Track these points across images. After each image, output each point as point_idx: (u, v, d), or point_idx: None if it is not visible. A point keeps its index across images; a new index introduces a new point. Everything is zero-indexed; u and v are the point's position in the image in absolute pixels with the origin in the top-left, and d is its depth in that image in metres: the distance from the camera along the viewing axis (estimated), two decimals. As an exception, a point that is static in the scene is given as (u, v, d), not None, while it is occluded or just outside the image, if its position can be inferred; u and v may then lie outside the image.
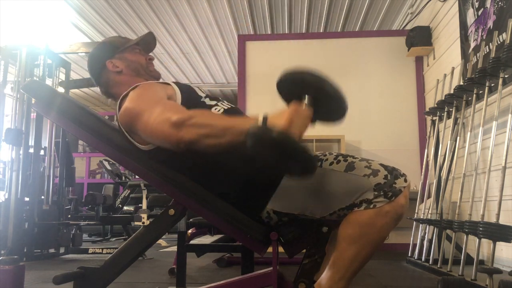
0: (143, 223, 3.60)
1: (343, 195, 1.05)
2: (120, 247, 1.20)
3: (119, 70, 1.35)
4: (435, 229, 2.77)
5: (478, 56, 2.87)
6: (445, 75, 3.31)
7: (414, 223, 3.14)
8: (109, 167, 5.78)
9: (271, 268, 1.13)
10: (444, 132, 3.13)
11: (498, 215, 2.04)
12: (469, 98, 2.74)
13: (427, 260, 2.75)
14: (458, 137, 2.95)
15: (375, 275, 2.48)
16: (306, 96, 0.94)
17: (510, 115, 2.11)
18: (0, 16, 4.72)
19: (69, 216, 4.52)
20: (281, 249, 1.20)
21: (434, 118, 3.29)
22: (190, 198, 1.17)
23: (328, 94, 0.98)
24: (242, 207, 1.15)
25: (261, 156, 0.92)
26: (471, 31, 3.07)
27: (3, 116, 3.56)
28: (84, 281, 1.14)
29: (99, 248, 3.63)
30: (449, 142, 2.94)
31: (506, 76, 2.31)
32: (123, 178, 5.91)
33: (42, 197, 3.56)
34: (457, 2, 3.32)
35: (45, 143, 3.68)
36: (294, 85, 0.98)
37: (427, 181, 3.37)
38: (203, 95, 1.30)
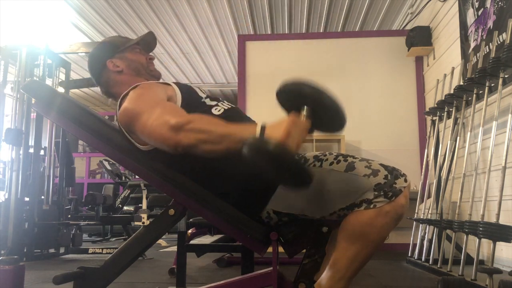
0: (143, 223, 3.60)
1: (343, 195, 1.05)
2: (120, 247, 1.20)
3: (119, 69, 1.35)
4: (435, 229, 2.77)
5: (478, 56, 2.87)
6: (445, 75, 3.31)
7: (414, 223, 3.14)
8: (109, 167, 5.78)
9: (271, 268, 1.13)
10: (444, 132, 3.13)
11: (498, 215, 2.04)
12: (469, 98, 2.74)
13: (427, 260, 2.75)
14: (458, 137, 2.95)
15: (375, 275, 2.48)
16: (305, 107, 0.94)
17: (510, 115, 2.11)
18: (0, 16, 4.72)
19: (69, 216, 4.52)
20: (281, 249, 1.20)
21: (434, 118, 3.29)
22: (190, 198, 1.17)
23: (326, 106, 0.98)
24: (242, 207, 1.15)
25: (257, 166, 0.92)
26: (471, 31, 3.07)
27: (3, 116, 3.56)
28: (84, 281, 1.14)
29: (99, 248, 3.63)
30: (449, 142, 2.94)
31: (506, 76, 2.31)
32: (123, 178, 5.91)
33: (42, 197, 3.56)
34: (457, 2, 3.32)
35: (45, 143, 3.68)
36: (293, 96, 0.98)
37: (427, 181, 3.37)
38: (203, 95, 1.30)
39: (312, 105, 0.96)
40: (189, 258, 2.03)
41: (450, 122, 3.02)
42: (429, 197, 3.21)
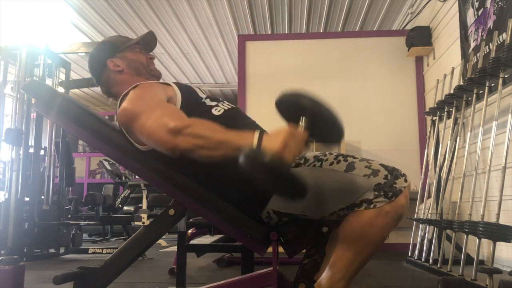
0: (143, 223, 3.60)
1: (343, 195, 1.05)
2: (120, 247, 1.20)
3: (120, 69, 1.35)
4: (435, 229, 2.77)
5: (478, 56, 2.87)
6: (445, 75, 3.31)
7: (414, 223, 3.14)
8: (109, 167, 5.78)
9: (271, 268, 1.13)
10: (444, 132, 3.13)
11: (498, 215, 2.04)
12: (469, 98, 2.74)
13: (427, 260, 2.75)
14: (458, 137, 2.95)
15: (375, 275, 2.48)
16: (303, 118, 0.94)
17: (510, 115, 2.11)
18: (0, 16, 4.72)
19: (69, 216, 4.53)
20: (281, 249, 1.20)
21: (434, 118, 3.29)
22: (190, 198, 1.17)
23: (325, 118, 0.97)
24: (242, 207, 1.15)
25: (253, 176, 0.92)
26: (471, 31, 3.07)
27: (3, 116, 3.56)
28: (84, 281, 1.14)
29: (99, 248, 3.63)
30: (449, 142, 2.94)
31: (506, 76, 2.31)
32: (123, 178, 5.91)
33: (42, 197, 3.56)
34: (457, 2, 3.32)
35: (45, 143, 3.68)
36: (291, 107, 0.98)
37: (427, 181, 3.37)
38: (203, 96, 1.30)
39: (311, 116, 0.96)
40: (189, 258, 2.03)
41: (450, 122, 3.02)
42: (429, 197, 3.21)
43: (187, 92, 1.27)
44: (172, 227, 1.27)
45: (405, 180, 1.05)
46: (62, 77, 3.95)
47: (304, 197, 0.97)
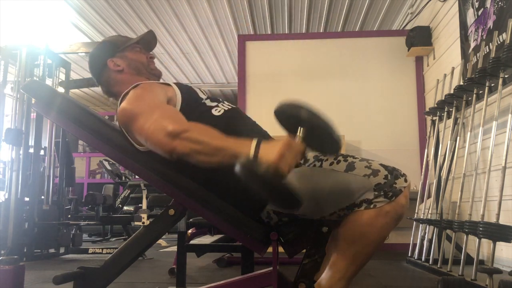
0: (143, 223, 3.60)
1: (343, 195, 1.05)
2: (120, 247, 1.20)
3: (120, 69, 1.35)
4: (435, 229, 2.77)
5: (478, 56, 2.87)
6: (445, 75, 3.31)
7: (414, 223, 3.14)
8: (109, 167, 5.78)
9: (271, 268, 1.13)
10: (444, 132, 3.13)
11: (498, 215, 2.04)
12: (469, 98, 2.74)
13: (427, 260, 2.75)
14: (458, 137, 2.95)
15: (375, 275, 2.48)
16: (301, 129, 0.94)
17: (510, 115, 2.11)
18: (0, 16, 4.72)
19: (69, 216, 4.52)
20: (281, 249, 1.20)
21: (434, 118, 3.29)
22: (190, 198, 1.17)
23: (322, 131, 0.97)
24: (242, 207, 1.15)
25: (248, 185, 0.92)
26: (471, 31, 3.07)
27: (3, 116, 3.56)
28: (84, 281, 1.14)
29: (99, 248, 3.63)
30: (449, 142, 2.94)
31: (506, 76, 2.31)
32: (123, 178, 5.91)
33: (42, 197, 3.56)
34: (457, 2, 3.32)
35: (45, 143, 3.68)
36: (289, 118, 0.98)
37: (427, 181, 3.37)
38: (204, 96, 1.30)
39: (308, 128, 0.95)
40: (189, 258, 2.03)
41: (450, 122, 3.02)
42: (429, 197, 3.21)
43: (187, 92, 1.27)
44: (172, 227, 1.27)
45: (405, 180, 1.05)
46: (62, 77, 3.95)
47: (298, 208, 0.97)
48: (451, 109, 3.01)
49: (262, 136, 1.25)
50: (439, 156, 3.18)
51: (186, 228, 2.08)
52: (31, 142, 3.41)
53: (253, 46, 4.45)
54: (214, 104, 1.27)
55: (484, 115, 2.43)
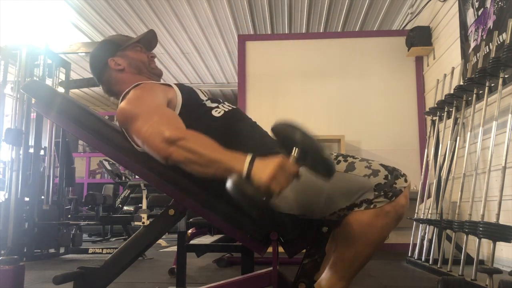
0: (143, 223, 3.59)
1: (344, 196, 1.05)
2: (120, 247, 1.20)
3: (121, 68, 1.35)
4: (435, 229, 2.77)
5: (478, 56, 2.87)
6: (445, 75, 3.31)
7: (414, 223, 3.14)
8: (109, 167, 5.78)
9: (271, 268, 1.13)
10: (444, 132, 3.13)
11: (498, 215, 2.04)
12: (469, 98, 2.74)
13: (427, 260, 2.75)
14: (458, 137, 2.95)
15: (375, 275, 2.48)
16: (296, 150, 0.93)
17: (510, 115, 2.11)
18: (0, 16, 4.72)
19: (69, 216, 4.52)
20: (281, 249, 1.20)
21: (434, 118, 3.29)
22: (190, 198, 1.16)
23: (316, 155, 0.95)
24: (242, 207, 1.15)
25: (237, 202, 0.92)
26: (471, 31, 3.07)
27: (3, 116, 3.56)
28: (84, 281, 1.14)
29: (99, 248, 3.63)
30: (449, 142, 2.94)
31: (506, 76, 2.31)
32: (123, 178, 5.90)
33: (42, 197, 3.56)
34: (457, 2, 3.32)
35: (45, 143, 3.68)
36: (284, 138, 0.97)
37: (427, 181, 3.37)
38: (204, 98, 1.30)
39: (302, 150, 0.94)
40: (189, 258, 2.03)
41: (450, 122, 3.02)
42: (429, 197, 3.21)
43: (188, 93, 1.27)
44: (172, 227, 1.27)
45: (405, 180, 1.05)
46: (62, 77, 3.95)
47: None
48: (451, 109, 3.01)
49: (262, 137, 1.25)
50: (439, 156, 3.18)
51: (186, 228, 2.08)
52: (31, 142, 3.41)
53: (253, 46, 4.45)
54: (214, 105, 1.27)
55: (484, 115, 2.43)
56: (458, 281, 1.88)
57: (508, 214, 2.53)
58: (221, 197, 1.16)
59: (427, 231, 2.89)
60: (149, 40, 1.43)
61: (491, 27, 2.76)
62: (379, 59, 4.28)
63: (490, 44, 2.69)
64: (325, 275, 1.12)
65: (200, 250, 2.55)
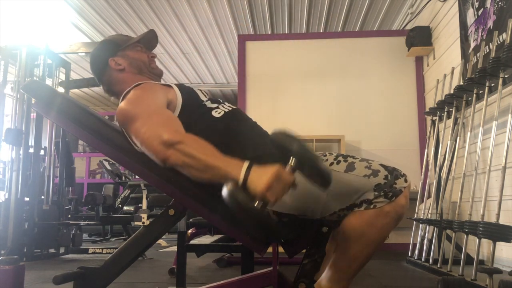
0: (143, 223, 3.59)
1: (344, 196, 1.05)
2: (120, 247, 1.20)
3: (121, 68, 1.35)
4: (435, 229, 2.77)
5: (478, 56, 2.87)
6: (445, 75, 3.31)
7: (414, 223, 3.14)
8: (109, 167, 5.78)
9: (271, 268, 1.13)
10: (444, 132, 3.13)
11: (498, 215, 2.04)
12: (469, 98, 2.74)
13: (427, 260, 2.75)
14: (458, 137, 2.95)
15: (375, 275, 2.48)
16: (293, 159, 0.94)
17: (510, 115, 2.11)
18: (0, 16, 4.72)
19: (69, 216, 4.52)
20: (281, 249, 1.20)
21: (434, 118, 3.29)
22: (190, 198, 1.16)
23: (313, 166, 0.95)
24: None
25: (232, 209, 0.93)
26: (471, 31, 3.07)
27: (3, 116, 3.56)
28: (84, 281, 1.14)
29: (99, 248, 3.63)
30: (449, 142, 2.94)
31: (506, 76, 2.31)
32: (123, 178, 5.91)
33: (42, 197, 3.56)
34: (457, 2, 3.32)
35: (45, 143, 3.68)
36: (281, 148, 0.97)
37: (427, 181, 3.37)
38: (205, 98, 1.30)
39: (298, 161, 0.94)
40: (189, 258, 2.03)
41: (450, 122, 3.02)
42: (429, 197, 3.21)
43: (188, 94, 1.27)
44: (172, 227, 1.27)
45: (405, 180, 1.05)
46: (62, 77, 3.95)
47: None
48: (451, 109, 3.01)
49: (262, 137, 1.25)
50: (439, 156, 3.18)
51: (186, 228, 2.08)
52: (31, 142, 3.41)
53: (253, 46, 4.45)
54: (214, 105, 1.27)
55: (484, 115, 2.43)
56: (458, 281, 1.88)
57: (508, 214, 2.53)
58: (221, 197, 1.16)
59: (427, 231, 2.89)
60: (150, 40, 1.43)
61: (491, 27, 2.76)
62: (379, 59, 4.28)
63: (490, 44, 2.69)
64: (325, 275, 1.13)
65: (200, 250, 2.55)
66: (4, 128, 3.23)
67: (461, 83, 2.81)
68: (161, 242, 4.66)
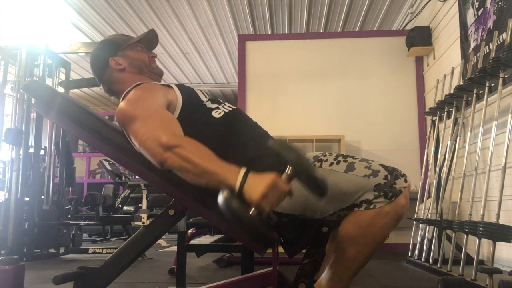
0: (143, 223, 3.60)
1: (343, 196, 1.05)
2: (120, 247, 1.20)
3: (121, 67, 1.35)
4: (435, 229, 2.77)
5: (478, 56, 2.87)
6: (445, 75, 3.31)
7: (414, 223, 3.14)
8: (109, 167, 5.78)
9: (271, 268, 1.13)
10: (444, 132, 3.13)
11: (498, 215, 2.04)
12: (469, 98, 2.74)
13: (427, 260, 2.75)
14: (458, 137, 2.95)
15: (375, 275, 2.48)
16: (289, 168, 0.94)
17: (510, 115, 2.11)
18: (0, 16, 4.72)
19: (69, 216, 4.52)
20: (281, 249, 1.20)
21: (434, 118, 3.29)
22: (190, 198, 1.16)
23: (309, 176, 0.96)
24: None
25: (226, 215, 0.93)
26: (471, 31, 3.07)
27: (3, 116, 3.56)
28: (84, 281, 1.14)
29: (99, 248, 3.63)
30: (449, 142, 2.94)
31: (506, 76, 2.31)
32: (123, 178, 5.91)
33: (42, 197, 3.56)
34: (457, 2, 3.33)
35: (45, 143, 3.68)
36: (279, 157, 0.97)
37: (427, 181, 3.37)
38: (205, 99, 1.30)
39: (294, 170, 0.95)
40: (189, 258, 2.03)
41: (450, 122, 3.02)
42: (429, 197, 3.21)
43: (188, 94, 1.27)
44: (172, 227, 1.27)
45: (405, 181, 1.05)
46: (62, 77, 3.95)
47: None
48: (451, 109, 3.01)
49: (261, 137, 1.25)
50: (439, 156, 3.18)
51: (186, 228, 2.08)
52: (31, 142, 3.41)
53: (253, 46, 4.45)
54: (214, 106, 1.27)
55: (484, 115, 2.43)
56: (458, 281, 1.88)
57: (508, 214, 2.53)
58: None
59: (427, 231, 2.89)
60: (150, 39, 1.43)
61: (491, 27, 2.76)
62: (379, 59, 4.28)
63: (490, 44, 2.69)
64: (325, 275, 1.12)
65: (200, 250, 2.55)
66: (4, 128, 3.24)
67: (461, 83, 2.81)
68: (161, 242, 4.66)
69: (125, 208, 5.44)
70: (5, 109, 3.59)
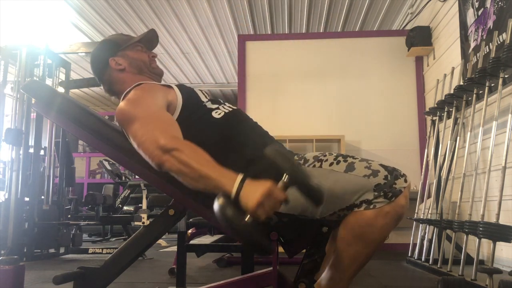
0: (143, 223, 3.60)
1: (343, 196, 1.05)
2: (120, 247, 1.20)
3: (121, 67, 1.35)
4: (435, 229, 2.77)
5: (478, 56, 2.87)
6: (445, 75, 3.31)
7: (414, 223, 3.14)
8: (109, 167, 5.78)
9: (271, 268, 1.13)
10: (444, 132, 3.13)
11: (498, 215, 2.04)
12: (469, 98, 2.74)
13: (427, 260, 2.75)
14: (458, 137, 2.95)
15: (375, 275, 2.48)
16: (286, 177, 0.94)
17: (510, 115, 2.11)
18: (0, 16, 4.72)
19: (69, 216, 4.52)
20: (281, 249, 1.20)
21: (434, 118, 3.29)
22: (190, 198, 1.16)
23: (305, 184, 0.95)
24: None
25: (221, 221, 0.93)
26: (471, 31, 3.07)
27: (3, 116, 3.56)
28: (84, 281, 1.14)
29: (99, 248, 3.63)
30: (449, 142, 2.94)
31: (506, 76, 2.31)
32: (123, 178, 5.91)
33: (42, 197, 3.56)
34: (457, 2, 3.33)
35: (45, 143, 3.68)
36: (275, 165, 0.96)
37: (427, 181, 3.37)
38: (205, 99, 1.30)
39: (292, 178, 0.94)
40: (189, 258, 2.03)
41: (450, 122, 3.02)
42: (429, 197, 3.21)
43: (188, 94, 1.27)
44: (172, 227, 1.27)
45: (405, 181, 1.05)
46: (62, 77, 3.95)
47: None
48: (451, 109, 3.01)
49: (262, 137, 1.25)
50: (439, 156, 3.18)
51: (186, 228, 2.08)
52: (31, 142, 3.41)
53: (253, 46, 4.45)
54: (215, 106, 1.27)
55: (484, 115, 2.43)
56: (458, 281, 1.88)
57: (508, 214, 2.53)
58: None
59: (427, 231, 2.89)
60: (150, 39, 1.43)
61: (491, 27, 2.76)
62: (379, 59, 4.29)
63: (490, 44, 2.69)
64: (325, 275, 1.12)
65: (200, 250, 2.54)
66: (4, 128, 3.24)
67: (461, 83, 2.81)
68: (161, 242, 4.66)
69: (125, 208, 5.44)
70: (5, 109, 3.59)
